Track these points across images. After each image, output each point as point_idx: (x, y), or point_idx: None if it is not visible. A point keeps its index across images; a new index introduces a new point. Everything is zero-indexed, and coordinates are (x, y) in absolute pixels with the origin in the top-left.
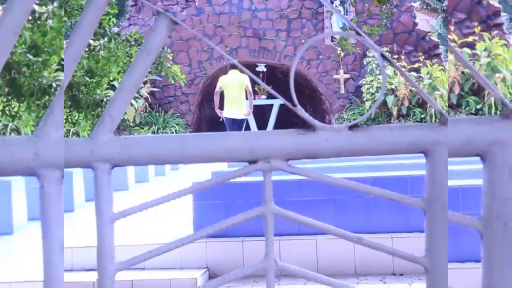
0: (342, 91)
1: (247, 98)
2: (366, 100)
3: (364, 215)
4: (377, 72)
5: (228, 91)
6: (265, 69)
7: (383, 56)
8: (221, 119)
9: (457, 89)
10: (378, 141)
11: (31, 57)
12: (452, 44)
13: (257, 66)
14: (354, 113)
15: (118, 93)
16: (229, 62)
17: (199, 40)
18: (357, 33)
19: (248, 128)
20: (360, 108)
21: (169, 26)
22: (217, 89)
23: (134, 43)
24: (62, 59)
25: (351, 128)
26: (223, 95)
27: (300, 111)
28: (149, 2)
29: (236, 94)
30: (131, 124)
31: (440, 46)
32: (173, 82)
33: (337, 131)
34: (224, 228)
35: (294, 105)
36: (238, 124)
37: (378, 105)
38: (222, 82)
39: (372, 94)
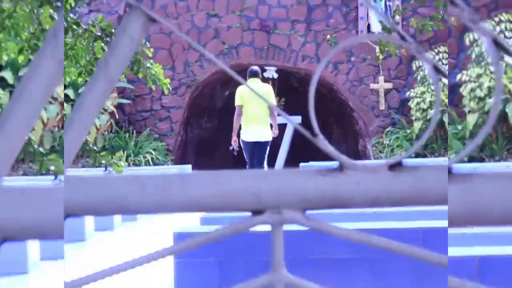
0: (382, 106)
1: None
2: (416, 120)
3: (412, 281)
4: (432, 80)
5: (248, 106)
6: (276, 75)
7: (437, 69)
8: (231, 148)
9: None
10: (431, 186)
11: None
12: None
13: (265, 70)
14: (398, 138)
15: (75, 116)
16: (249, 69)
17: (186, 34)
18: (401, 37)
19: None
20: (407, 131)
21: (144, 25)
22: (237, 103)
23: (100, 34)
24: None
25: (392, 167)
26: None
27: (322, 143)
28: None
29: (259, 110)
30: (95, 148)
31: None
32: (153, 88)
33: (373, 171)
34: None
35: (314, 135)
36: (260, 149)
37: (433, 127)
38: (242, 95)
39: (424, 111)
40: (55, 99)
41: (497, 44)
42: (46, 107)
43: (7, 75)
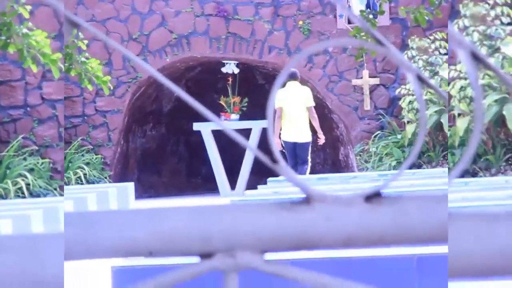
0: (367, 106)
1: None
2: (408, 122)
3: None
4: (427, 73)
5: (288, 109)
6: (236, 70)
7: (421, 79)
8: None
9: None
10: (416, 221)
11: None
12: None
13: (223, 65)
14: (387, 144)
15: None
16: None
17: (125, 22)
18: (378, 41)
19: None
20: (398, 136)
21: (68, 30)
22: (276, 105)
23: None
24: None
25: (370, 198)
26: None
27: (283, 171)
28: None
29: (299, 113)
30: None
31: None
32: (90, 88)
33: (346, 204)
34: None
35: (274, 161)
36: (302, 149)
37: (425, 133)
38: (280, 98)
39: (419, 111)
40: None
41: (476, 58)
42: None
43: None
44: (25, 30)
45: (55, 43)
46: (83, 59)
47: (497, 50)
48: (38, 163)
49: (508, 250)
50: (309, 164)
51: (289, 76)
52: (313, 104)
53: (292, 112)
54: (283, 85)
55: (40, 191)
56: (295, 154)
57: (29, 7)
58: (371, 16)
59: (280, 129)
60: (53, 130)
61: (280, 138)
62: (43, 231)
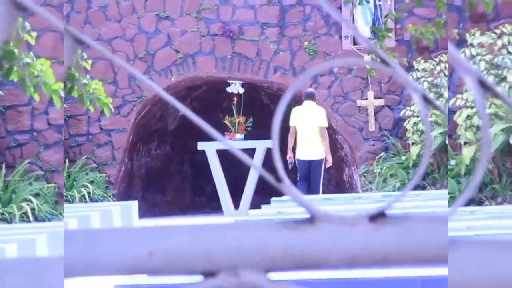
0: (372, 127)
1: None
2: (413, 144)
3: None
4: (432, 94)
5: (303, 128)
6: (241, 90)
7: (426, 99)
8: (290, 162)
9: None
10: (420, 241)
11: None
12: None
13: (228, 85)
14: (392, 165)
15: None
16: (304, 91)
17: (131, 41)
18: (384, 62)
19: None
20: (403, 158)
21: (72, 48)
22: (291, 123)
23: None
24: None
25: (374, 219)
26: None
27: (288, 189)
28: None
29: (313, 132)
30: None
31: None
32: (92, 110)
33: (351, 224)
34: None
35: (279, 180)
36: (316, 166)
37: (430, 154)
38: (296, 116)
39: (423, 133)
40: None
41: (483, 85)
42: None
43: None
44: (26, 60)
45: (61, 68)
46: (85, 81)
47: (504, 79)
48: (43, 188)
49: None
50: (321, 182)
51: (307, 96)
52: (327, 125)
53: (307, 131)
54: (300, 104)
55: (46, 215)
56: (308, 172)
57: (35, 34)
58: (380, 34)
59: (293, 147)
60: (59, 155)
61: (293, 153)
62: (47, 255)
